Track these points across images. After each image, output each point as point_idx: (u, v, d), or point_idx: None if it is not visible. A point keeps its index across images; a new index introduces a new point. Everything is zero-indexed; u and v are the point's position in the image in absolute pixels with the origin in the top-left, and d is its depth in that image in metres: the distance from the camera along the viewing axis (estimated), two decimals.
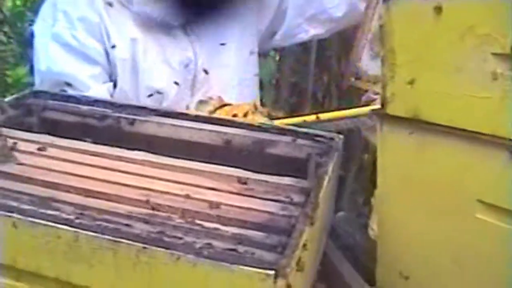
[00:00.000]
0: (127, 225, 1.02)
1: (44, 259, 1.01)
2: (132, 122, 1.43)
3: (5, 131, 1.33)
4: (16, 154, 1.26)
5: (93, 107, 1.48)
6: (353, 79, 1.78)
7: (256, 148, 1.37)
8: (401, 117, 1.17)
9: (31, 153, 1.28)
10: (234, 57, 1.95)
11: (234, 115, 1.59)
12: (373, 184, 1.31)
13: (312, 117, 1.70)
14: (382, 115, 1.21)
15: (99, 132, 1.42)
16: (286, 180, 1.22)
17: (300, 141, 1.36)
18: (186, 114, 1.47)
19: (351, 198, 2.45)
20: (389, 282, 1.30)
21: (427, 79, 1.12)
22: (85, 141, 1.36)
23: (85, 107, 1.48)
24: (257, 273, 0.90)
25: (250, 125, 1.42)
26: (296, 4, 2.06)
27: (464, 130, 1.09)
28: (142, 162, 1.26)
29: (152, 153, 1.29)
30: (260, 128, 1.41)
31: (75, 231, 0.98)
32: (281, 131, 1.40)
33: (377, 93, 1.58)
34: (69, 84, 1.76)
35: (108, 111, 1.46)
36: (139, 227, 1.02)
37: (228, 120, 1.45)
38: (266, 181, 1.21)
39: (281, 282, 0.90)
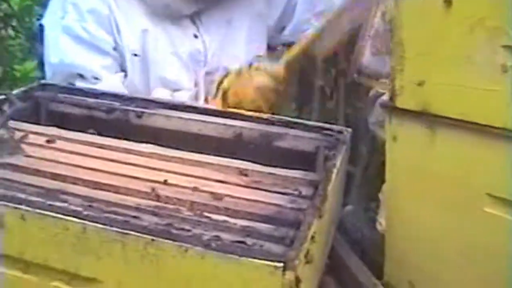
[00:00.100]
0: (135, 217, 1.02)
1: (52, 251, 1.01)
2: (140, 115, 1.43)
3: (13, 123, 1.34)
4: (24, 146, 1.26)
5: (101, 100, 1.48)
6: (355, 75, 1.78)
7: (264, 141, 1.37)
8: (410, 110, 1.17)
9: (39, 145, 1.29)
10: (243, 50, 1.95)
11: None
12: (381, 179, 1.30)
13: None
14: (391, 108, 1.20)
15: (107, 125, 1.42)
16: (295, 173, 1.22)
17: (308, 134, 1.36)
18: (194, 107, 1.47)
19: (359, 192, 2.44)
20: (397, 276, 1.30)
21: (436, 72, 1.12)
22: (93, 133, 1.36)
23: (92, 100, 1.48)
24: (266, 265, 0.90)
25: (258, 118, 1.42)
26: None
27: (473, 123, 1.08)
28: (150, 155, 1.27)
29: (160, 146, 1.29)
30: (268, 121, 1.41)
31: (83, 223, 0.98)
32: (289, 124, 1.40)
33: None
34: (81, 76, 1.76)
35: (116, 104, 1.46)
36: (147, 219, 1.02)
37: (237, 113, 1.45)
38: (274, 174, 1.21)
39: (289, 274, 0.89)
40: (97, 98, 1.48)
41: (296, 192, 1.16)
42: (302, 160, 1.29)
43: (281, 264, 0.90)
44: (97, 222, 0.98)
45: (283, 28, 2.11)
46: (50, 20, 1.86)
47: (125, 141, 1.31)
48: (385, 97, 1.29)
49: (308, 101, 2.80)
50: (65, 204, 1.04)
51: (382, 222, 1.38)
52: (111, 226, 0.97)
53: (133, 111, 1.44)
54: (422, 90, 1.14)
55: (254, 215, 1.07)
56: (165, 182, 1.15)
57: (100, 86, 1.70)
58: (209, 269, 0.93)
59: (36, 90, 1.51)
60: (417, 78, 1.13)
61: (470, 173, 1.13)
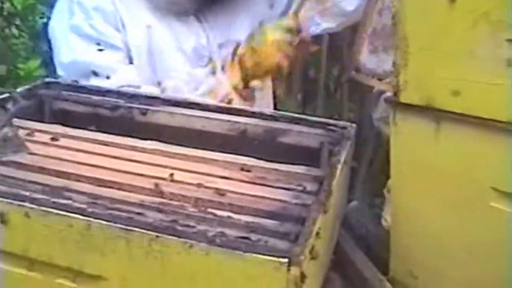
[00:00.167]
0: (139, 213, 1.02)
1: (57, 248, 1.01)
2: (144, 112, 1.43)
3: (17, 121, 1.34)
4: (28, 144, 1.26)
5: (105, 97, 1.48)
6: (353, 72, 1.78)
7: (268, 137, 1.36)
8: (414, 105, 1.16)
9: (43, 143, 1.29)
10: None
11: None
12: (386, 175, 1.30)
13: None
14: (395, 103, 1.20)
15: (112, 122, 1.42)
16: (299, 169, 1.21)
17: (312, 130, 1.36)
18: (198, 104, 1.47)
19: (364, 188, 2.45)
20: (402, 272, 1.30)
21: (440, 66, 1.11)
22: (97, 131, 1.36)
23: (97, 98, 1.48)
24: (271, 261, 0.90)
25: (262, 114, 1.41)
26: None
27: (478, 117, 1.08)
28: (154, 152, 1.26)
29: (164, 142, 1.29)
30: (272, 117, 1.40)
31: (87, 220, 0.98)
32: (294, 120, 1.40)
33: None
34: (95, 73, 1.77)
35: (120, 101, 1.46)
36: (152, 216, 1.02)
37: (240, 109, 1.45)
38: (279, 170, 1.21)
39: (294, 270, 0.89)
40: (101, 95, 1.48)
41: (300, 188, 1.15)
42: (307, 156, 1.29)
43: (286, 260, 0.89)
44: (101, 219, 0.98)
45: None
46: (58, 22, 1.86)
47: (129, 138, 1.31)
48: (389, 93, 1.28)
49: (313, 98, 2.80)
50: (69, 201, 1.04)
51: (387, 218, 1.38)
52: (115, 222, 0.97)
53: (137, 108, 1.44)
54: (426, 84, 1.13)
55: (259, 211, 1.07)
56: (169, 179, 1.15)
57: (117, 79, 1.72)
58: (214, 265, 0.92)
59: (40, 88, 1.51)
60: (421, 72, 1.13)
61: (474, 167, 1.13)
